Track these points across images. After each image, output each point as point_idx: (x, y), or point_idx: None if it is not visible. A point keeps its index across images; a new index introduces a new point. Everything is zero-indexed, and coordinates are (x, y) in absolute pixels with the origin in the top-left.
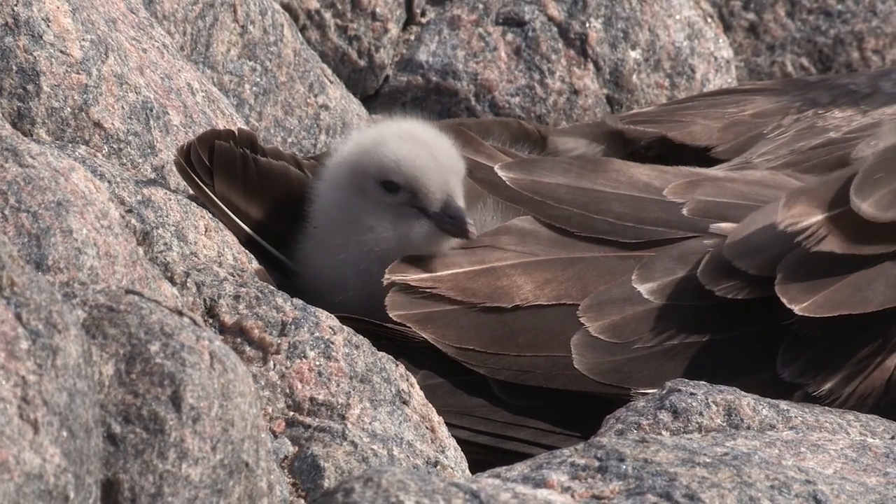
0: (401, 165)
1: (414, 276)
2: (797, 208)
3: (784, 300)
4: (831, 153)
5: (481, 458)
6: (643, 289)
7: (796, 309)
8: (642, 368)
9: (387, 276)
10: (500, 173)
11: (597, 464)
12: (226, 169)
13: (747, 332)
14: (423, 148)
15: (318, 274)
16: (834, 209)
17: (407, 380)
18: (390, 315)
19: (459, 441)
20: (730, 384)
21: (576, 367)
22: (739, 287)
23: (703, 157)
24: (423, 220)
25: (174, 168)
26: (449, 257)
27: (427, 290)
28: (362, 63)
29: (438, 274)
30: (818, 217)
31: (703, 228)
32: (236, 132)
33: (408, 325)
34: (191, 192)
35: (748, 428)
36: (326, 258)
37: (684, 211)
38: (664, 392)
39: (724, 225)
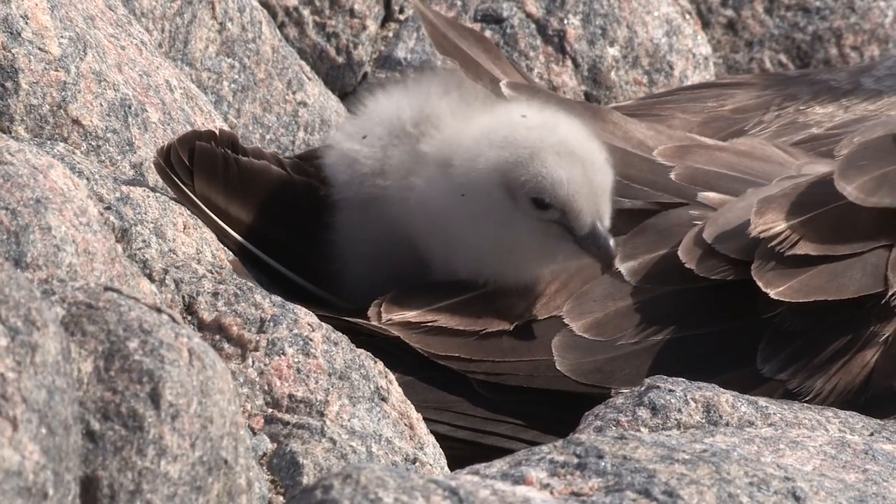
0: (556, 188)
1: (412, 314)
2: (769, 215)
3: (760, 284)
4: (814, 149)
5: (460, 453)
6: (624, 268)
7: (772, 293)
8: (624, 367)
9: (384, 315)
10: (505, 90)
11: (576, 461)
12: (206, 169)
13: (728, 326)
14: (579, 167)
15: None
16: (806, 213)
17: (386, 376)
18: (377, 325)
19: (438, 436)
20: (710, 381)
21: (557, 368)
22: (717, 267)
23: None
24: (568, 239)
25: (153, 167)
26: (439, 292)
27: (430, 325)
28: (341, 60)
29: (436, 306)
30: (790, 222)
31: (688, 196)
32: (217, 132)
33: (394, 332)
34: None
35: (727, 425)
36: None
37: (672, 175)
38: (643, 389)
39: (711, 195)
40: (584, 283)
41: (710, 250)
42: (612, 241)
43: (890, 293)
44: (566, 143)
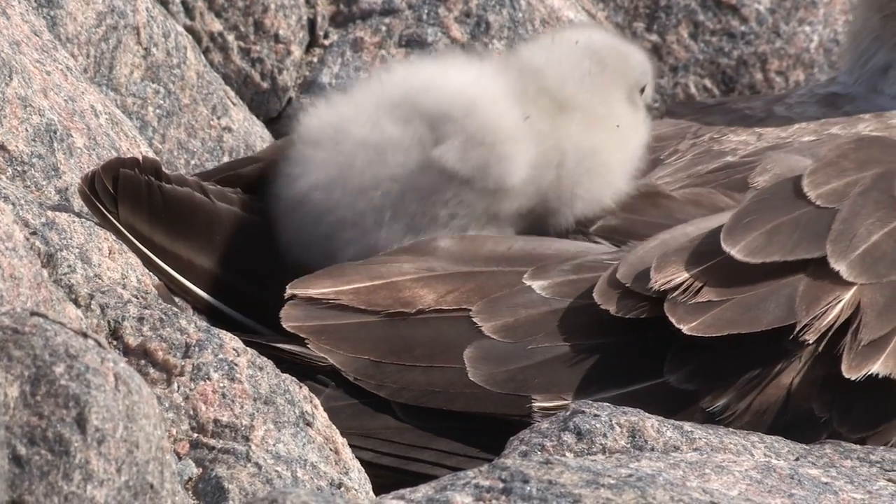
0: (649, 69)
1: (316, 290)
2: (669, 269)
3: (673, 320)
4: (729, 177)
5: (385, 479)
6: (536, 285)
7: (684, 328)
8: (536, 376)
9: (289, 290)
10: None
11: (501, 485)
12: (131, 197)
13: (640, 336)
14: (637, 49)
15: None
16: (705, 262)
17: (311, 402)
18: (284, 326)
19: (363, 462)
20: (622, 390)
21: (471, 378)
22: (633, 306)
23: None
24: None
25: (78, 194)
26: (347, 274)
27: (330, 301)
28: (265, 85)
29: (341, 288)
30: (691, 271)
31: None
32: (141, 160)
33: (302, 335)
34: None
35: (652, 449)
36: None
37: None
38: (568, 414)
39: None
40: (500, 290)
41: (625, 289)
42: None
43: (799, 328)
44: (617, 38)
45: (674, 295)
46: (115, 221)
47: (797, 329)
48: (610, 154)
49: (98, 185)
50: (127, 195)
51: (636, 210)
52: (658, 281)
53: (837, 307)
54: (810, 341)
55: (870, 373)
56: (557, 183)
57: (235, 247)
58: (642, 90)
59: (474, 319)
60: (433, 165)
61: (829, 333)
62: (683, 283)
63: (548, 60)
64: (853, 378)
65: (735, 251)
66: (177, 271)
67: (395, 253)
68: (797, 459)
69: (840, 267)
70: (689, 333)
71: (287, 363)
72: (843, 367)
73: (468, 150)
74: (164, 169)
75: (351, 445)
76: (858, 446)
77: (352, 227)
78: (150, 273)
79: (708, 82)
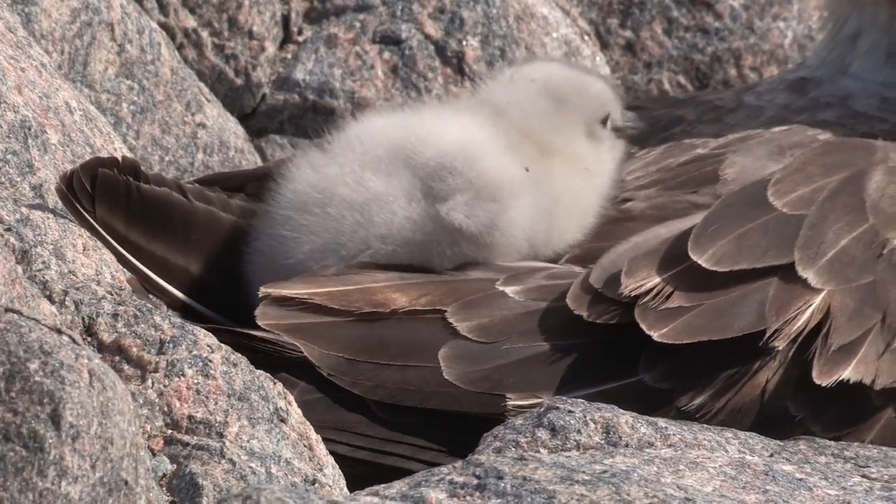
0: (612, 97)
1: (289, 291)
2: (640, 273)
3: (643, 326)
4: (700, 169)
5: (359, 472)
6: (509, 290)
7: (655, 335)
8: (511, 375)
9: (263, 290)
10: None
11: (475, 481)
12: (108, 196)
13: (614, 335)
14: (597, 77)
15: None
16: (676, 266)
17: (285, 398)
18: (260, 324)
19: (337, 456)
20: (597, 389)
21: (446, 377)
22: (604, 311)
23: None
24: (611, 136)
25: (56, 193)
26: (320, 280)
27: (304, 301)
28: (239, 81)
29: (315, 290)
30: (662, 276)
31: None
32: (120, 159)
33: (277, 332)
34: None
35: (627, 446)
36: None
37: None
38: (542, 410)
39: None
40: (473, 294)
41: (597, 294)
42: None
43: (769, 333)
44: (577, 70)
45: (644, 300)
46: (91, 221)
47: (767, 335)
48: (587, 196)
49: (76, 184)
50: (104, 194)
51: (603, 237)
52: (629, 286)
53: (808, 312)
54: (780, 347)
55: (840, 378)
56: (548, 230)
57: (212, 246)
58: (605, 121)
59: (449, 320)
60: (432, 220)
61: (800, 338)
62: (654, 287)
63: (507, 101)
64: (824, 384)
65: (703, 260)
66: (152, 270)
67: (366, 266)
68: (771, 456)
69: (808, 275)
70: (659, 340)
71: (260, 353)
72: (814, 373)
73: (475, 206)
74: (142, 168)
75: (325, 439)
76: (833, 443)
77: None
78: (125, 270)
79: (682, 79)
